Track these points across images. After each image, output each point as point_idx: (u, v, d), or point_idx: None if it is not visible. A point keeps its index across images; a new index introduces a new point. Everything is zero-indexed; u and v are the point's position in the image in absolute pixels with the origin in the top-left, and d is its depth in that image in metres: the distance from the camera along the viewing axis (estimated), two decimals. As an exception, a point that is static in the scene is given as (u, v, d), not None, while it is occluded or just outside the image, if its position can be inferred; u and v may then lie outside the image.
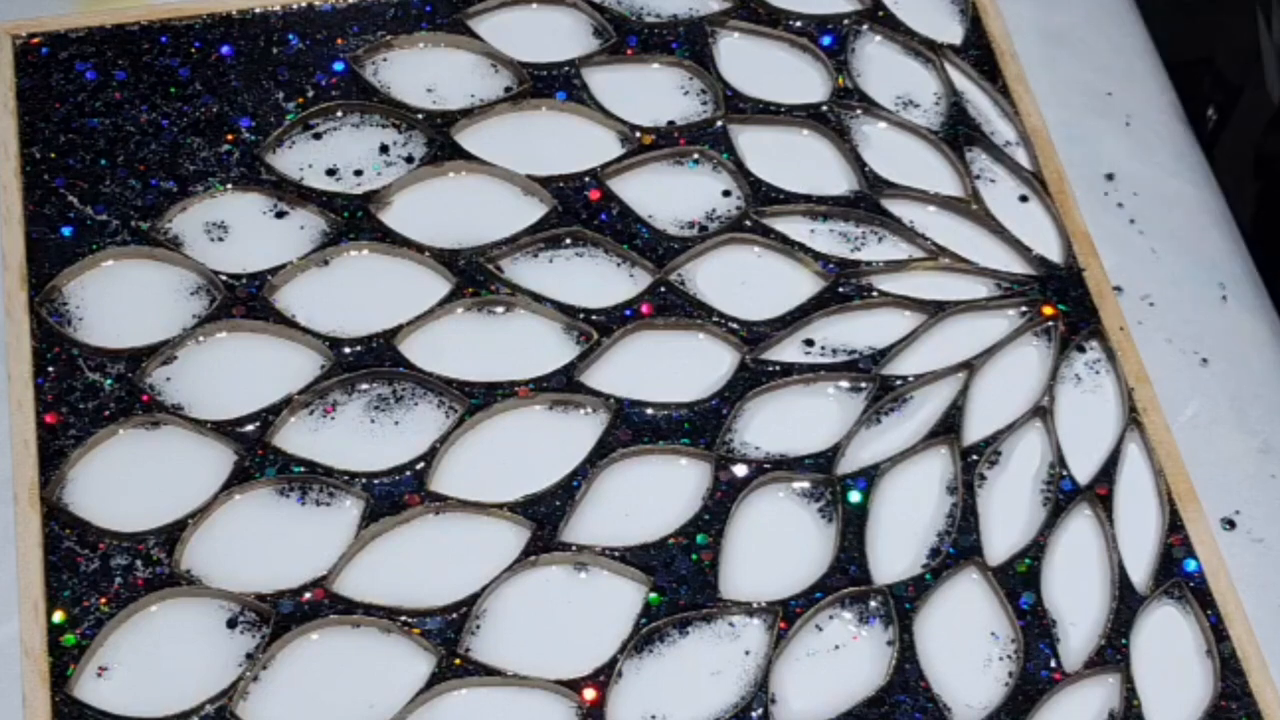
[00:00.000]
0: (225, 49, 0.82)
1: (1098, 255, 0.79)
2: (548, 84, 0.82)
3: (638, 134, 0.81)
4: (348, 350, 0.74)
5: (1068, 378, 0.77)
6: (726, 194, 0.80)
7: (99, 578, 0.67)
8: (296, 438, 0.71)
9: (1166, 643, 0.70)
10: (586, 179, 0.79)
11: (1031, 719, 0.67)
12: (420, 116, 0.80)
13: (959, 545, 0.71)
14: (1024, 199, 0.82)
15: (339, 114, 0.81)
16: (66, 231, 0.75)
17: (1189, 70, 0.91)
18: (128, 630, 0.67)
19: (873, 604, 0.70)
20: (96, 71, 0.80)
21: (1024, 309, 0.78)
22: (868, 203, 0.80)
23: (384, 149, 0.80)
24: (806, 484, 0.72)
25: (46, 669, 0.65)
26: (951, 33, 0.87)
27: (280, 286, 0.75)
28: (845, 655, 0.69)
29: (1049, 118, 0.84)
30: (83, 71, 0.80)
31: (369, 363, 0.73)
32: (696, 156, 0.81)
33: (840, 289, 0.78)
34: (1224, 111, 0.89)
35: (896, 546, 0.71)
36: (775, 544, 0.71)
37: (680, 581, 0.69)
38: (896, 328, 0.77)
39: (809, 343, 0.76)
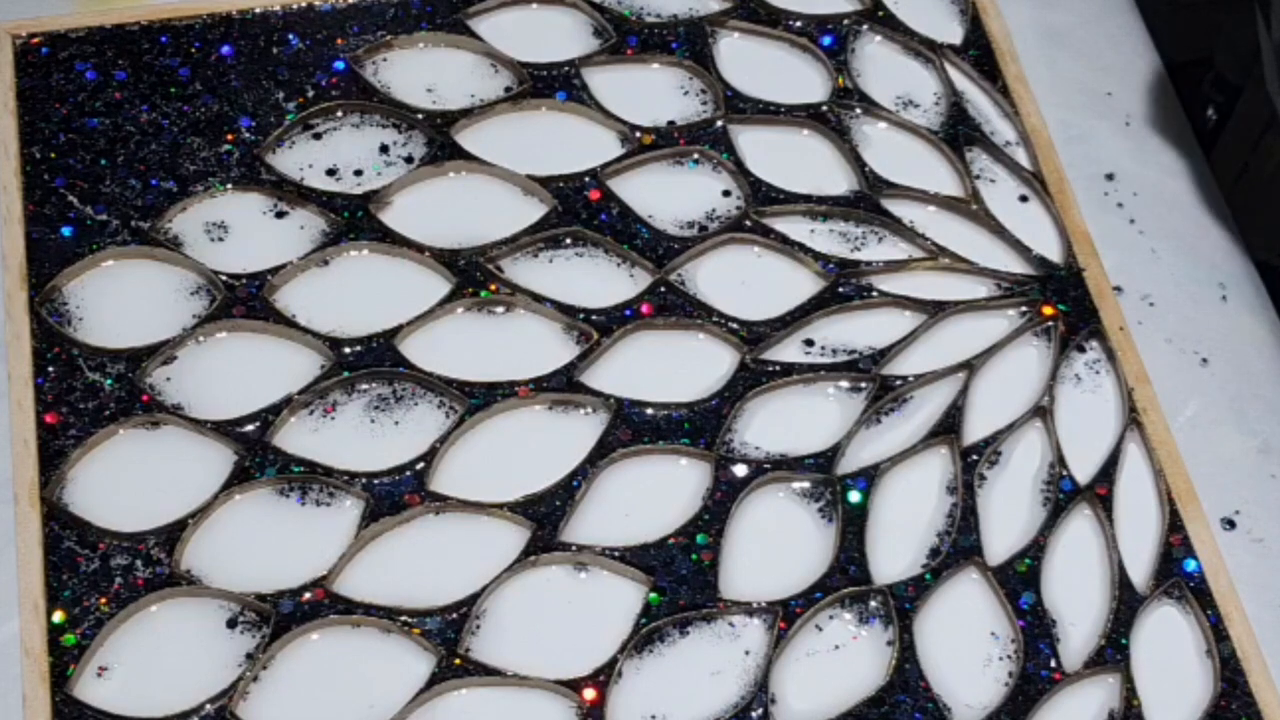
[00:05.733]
0: (225, 49, 0.82)
1: (1098, 255, 0.79)
2: (548, 84, 0.82)
3: (638, 134, 0.81)
4: (348, 350, 0.74)
5: (1068, 378, 0.77)
6: (726, 194, 0.80)
7: (99, 578, 0.67)
8: (296, 438, 0.71)
9: (1166, 643, 0.70)
10: (586, 179, 0.79)
11: (1031, 719, 0.67)
12: (420, 116, 0.80)
13: (959, 545, 0.71)
14: (1024, 199, 0.82)
15: (339, 114, 0.81)
16: (66, 231, 0.75)
17: (1189, 70, 0.91)
18: (128, 630, 0.67)
19: (873, 604, 0.70)
20: (96, 71, 0.80)
21: (1024, 309, 0.78)
22: (868, 203, 0.80)
23: (384, 149, 0.80)
24: (806, 484, 0.72)
25: (46, 669, 0.65)
26: (951, 33, 0.87)
27: (280, 286, 0.75)
28: (845, 655, 0.69)
29: (1049, 118, 0.84)
30: (83, 71, 0.80)
31: (369, 363, 0.73)
32: (696, 156, 0.81)
33: (840, 289, 0.78)
34: (1224, 111, 0.89)
35: (896, 546, 0.71)
36: (775, 544, 0.71)
37: (680, 581, 0.69)
38: (896, 328, 0.77)
39: (809, 343, 0.76)
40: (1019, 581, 0.70)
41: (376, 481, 0.71)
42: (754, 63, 0.85)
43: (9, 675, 0.65)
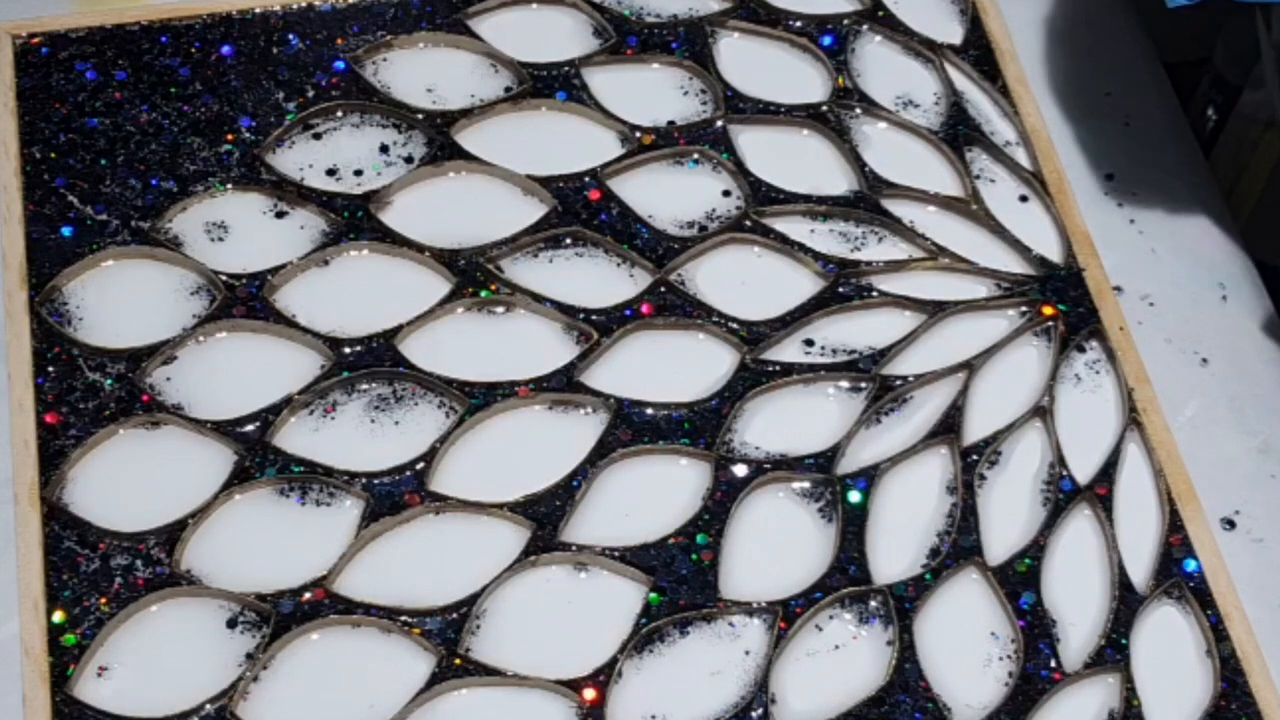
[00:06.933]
0: (225, 49, 0.82)
1: (1098, 255, 0.79)
2: (548, 84, 0.82)
3: (638, 134, 0.81)
4: (348, 350, 0.74)
5: (1068, 378, 0.77)
6: (726, 194, 0.80)
7: (99, 578, 0.67)
8: (296, 438, 0.71)
9: (1166, 643, 0.70)
10: (586, 179, 0.79)
11: (1031, 719, 0.67)
12: (420, 116, 0.80)
13: (959, 545, 0.71)
14: (1024, 199, 0.82)
15: (339, 114, 0.81)
16: (66, 231, 0.75)
17: (1189, 70, 0.91)
18: (128, 630, 0.67)
19: (873, 604, 0.70)
20: (96, 71, 0.80)
21: (1024, 309, 0.78)
22: (868, 203, 0.80)
23: (384, 149, 0.80)
24: (806, 484, 0.72)
25: (46, 669, 0.65)
26: (951, 33, 0.87)
27: (280, 286, 0.75)
28: (845, 655, 0.69)
29: (1049, 118, 0.84)
30: (83, 71, 0.80)
31: (369, 363, 0.73)
32: (696, 156, 0.81)
33: (840, 289, 0.78)
34: (1224, 111, 0.89)
35: (896, 546, 0.71)
36: (775, 544, 0.71)
37: (680, 581, 0.69)
38: (896, 328, 0.77)
39: (809, 343, 0.76)
40: (1019, 581, 0.70)
41: (376, 481, 0.71)
42: (754, 63, 0.85)
43: (9, 675, 0.65)
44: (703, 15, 0.85)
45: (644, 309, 0.76)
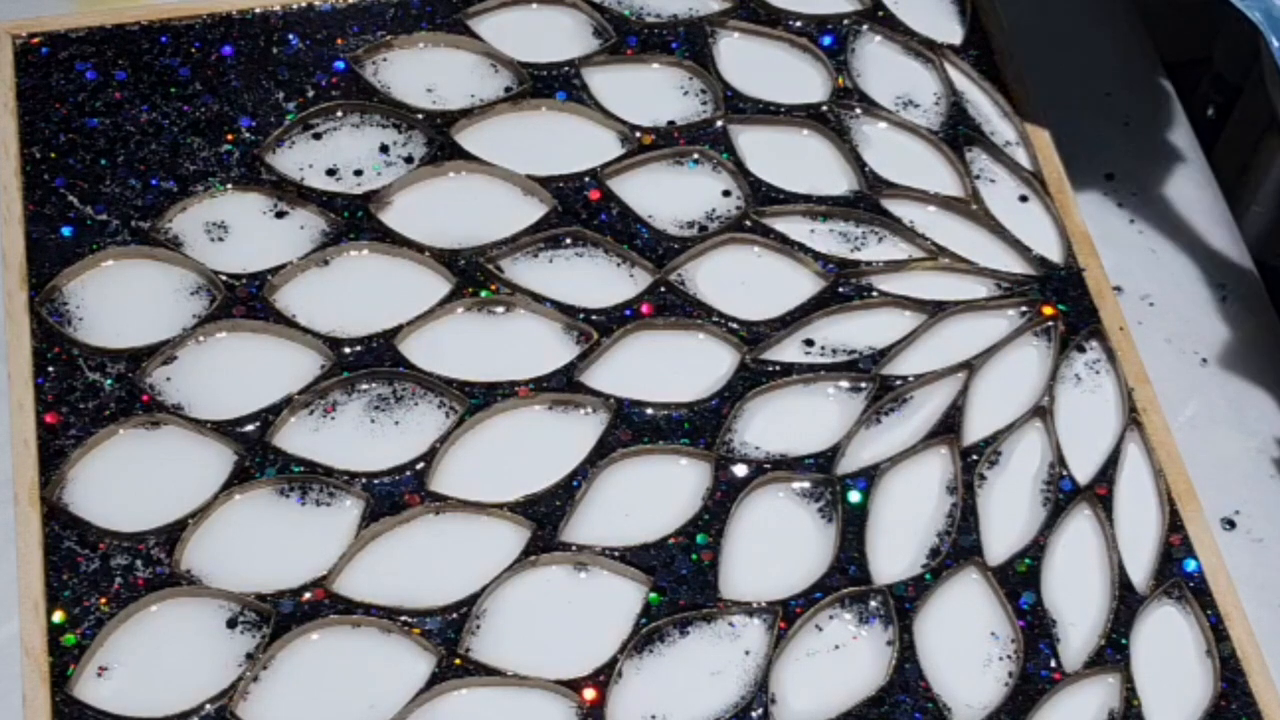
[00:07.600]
0: (225, 49, 0.82)
1: (1098, 255, 0.79)
2: (548, 84, 0.82)
3: (638, 134, 0.81)
4: (348, 350, 0.74)
5: (1068, 378, 0.77)
6: (726, 194, 0.80)
7: (99, 578, 0.67)
8: (296, 438, 0.71)
9: (1166, 643, 0.70)
10: (586, 179, 0.79)
11: (1031, 719, 0.67)
12: (420, 116, 0.80)
13: (959, 545, 0.71)
14: (1024, 199, 0.82)
15: (339, 114, 0.81)
16: (66, 231, 0.75)
17: (1189, 70, 0.91)
18: (128, 630, 0.67)
19: (873, 604, 0.70)
20: (96, 71, 0.80)
21: (1024, 309, 0.78)
22: (868, 203, 0.80)
23: (384, 149, 0.80)
24: (806, 484, 0.72)
25: (46, 669, 0.65)
26: (951, 33, 0.87)
27: (280, 286, 0.75)
28: (845, 655, 0.69)
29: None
30: (83, 71, 0.80)
31: (369, 363, 0.73)
32: (696, 156, 0.81)
33: (840, 289, 0.78)
34: (1224, 111, 0.89)
35: (896, 546, 0.71)
36: (775, 544, 0.71)
37: (680, 581, 0.69)
38: (896, 328, 0.77)
39: (809, 343, 0.76)
40: (1019, 581, 0.70)
41: (376, 481, 0.71)
42: (754, 63, 0.85)
43: (9, 675, 0.65)
44: (703, 15, 0.85)
45: (644, 309, 0.76)
